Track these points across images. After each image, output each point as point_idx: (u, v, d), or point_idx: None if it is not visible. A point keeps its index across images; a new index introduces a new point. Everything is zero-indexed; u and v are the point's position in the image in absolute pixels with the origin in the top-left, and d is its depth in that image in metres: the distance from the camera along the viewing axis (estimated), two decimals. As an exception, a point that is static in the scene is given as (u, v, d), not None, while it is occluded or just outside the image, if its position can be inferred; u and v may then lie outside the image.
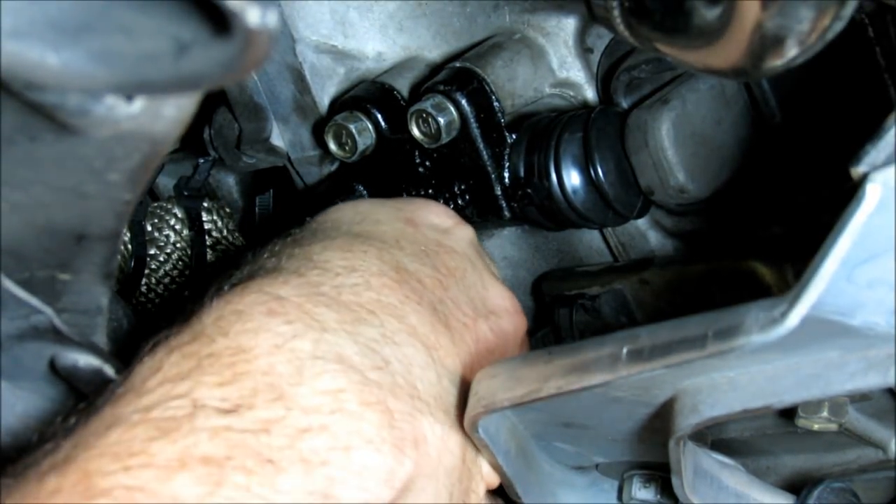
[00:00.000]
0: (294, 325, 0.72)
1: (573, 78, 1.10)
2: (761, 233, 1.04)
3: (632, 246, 1.14)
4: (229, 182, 1.38)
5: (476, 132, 1.05)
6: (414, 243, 0.90)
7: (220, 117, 1.22)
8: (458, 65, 1.06)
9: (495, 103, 1.06)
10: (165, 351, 0.70)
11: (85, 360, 0.82)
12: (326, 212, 0.95)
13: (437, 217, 0.97)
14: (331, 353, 0.72)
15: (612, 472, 0.95)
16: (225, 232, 1.27)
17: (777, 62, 0.67)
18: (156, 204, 1.26)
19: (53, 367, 0.81)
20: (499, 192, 1.07)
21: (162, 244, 1.23)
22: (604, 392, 0.73)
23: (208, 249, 1.25)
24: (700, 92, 1.01)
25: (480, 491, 0.83)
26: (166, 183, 1.35)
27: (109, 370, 0.84)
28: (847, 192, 0.61)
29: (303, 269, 0.79)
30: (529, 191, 1.05)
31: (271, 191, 1.30)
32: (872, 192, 0.59)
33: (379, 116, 1.10)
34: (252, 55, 0.52)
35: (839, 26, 0.65)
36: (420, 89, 1.07)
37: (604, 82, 1.09)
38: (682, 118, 0.99)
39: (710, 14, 0.67)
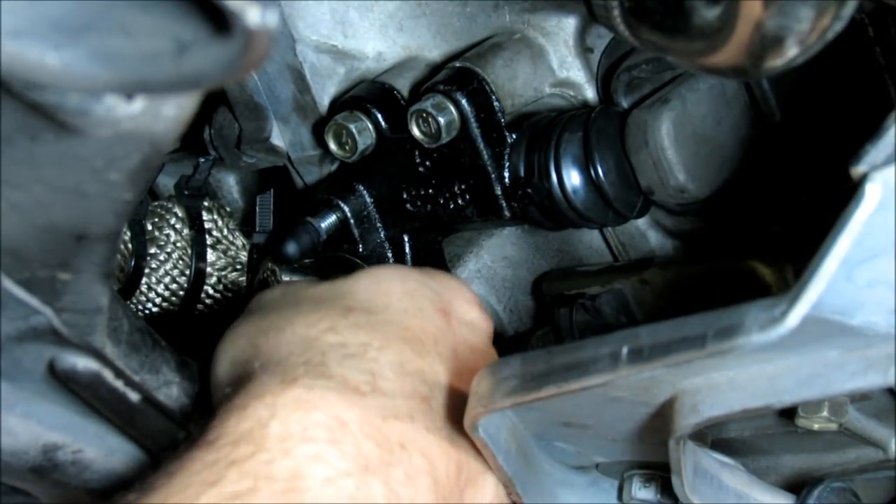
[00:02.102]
0: (346, 460, 0.76)
1: (573, 78, 1.10)
2: (761, 233, 1.04)
3: (632, 246, 1.14)
4: (229, 182, 1.39)
5: (476, 132, 1.05)
6: (447, 344, 0.90)
7: (220, 117, 1.22)
8: (458, 64, 1.06)
9: (495, 103, 1.06)
10: (225, 464, 0.73)
11: (84, 363, 0.82)
12: (378, 278, 0.94)
13: (466, 305, 0.97)
14: (365, 496, 0.76)
15: (612, 472, 0.95)
16: (225, 231, 1.27)
17: (777, 62, 0.67)
18: (156, 203, 1.26)
19: (52, 370, 0.81)
20: (499, 192, 1.07)
21: (162, 243, 1.23)
22: (604, 392, 0.73)
23: (209, 249, 1.25)
24: (700, 92, 1.01)
25: None
26: (166, 182, 1.36)
27: (108, 374, 0.84)
28: (847, 192, 0.61)
29: (364, 386, 0.81)
30: (529, 190, 1.05)
31: (272, 190, 1.30)
32: (872, 192, 0.59)
33: (379, 116, 1.10)
34: (252, 55, 0.52)
35: (839, 26, 0.65)
36: (420, 89, 1.07)
37: (604, 82, 1.09)
38: (682, 118, 0.99)
39: (710, 14, 0.67)
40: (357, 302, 0.90)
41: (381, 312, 0.89)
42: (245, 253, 1.28)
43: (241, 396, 0.80)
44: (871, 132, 0.63)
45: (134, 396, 0.88)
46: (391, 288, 0.93)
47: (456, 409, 0.85)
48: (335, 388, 0.79)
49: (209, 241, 1.25)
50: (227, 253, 1.26)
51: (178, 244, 1.23)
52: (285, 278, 1.16)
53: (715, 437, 0.99)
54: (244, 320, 0.95)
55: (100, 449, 0.92)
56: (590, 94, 1.10)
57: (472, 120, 1.04)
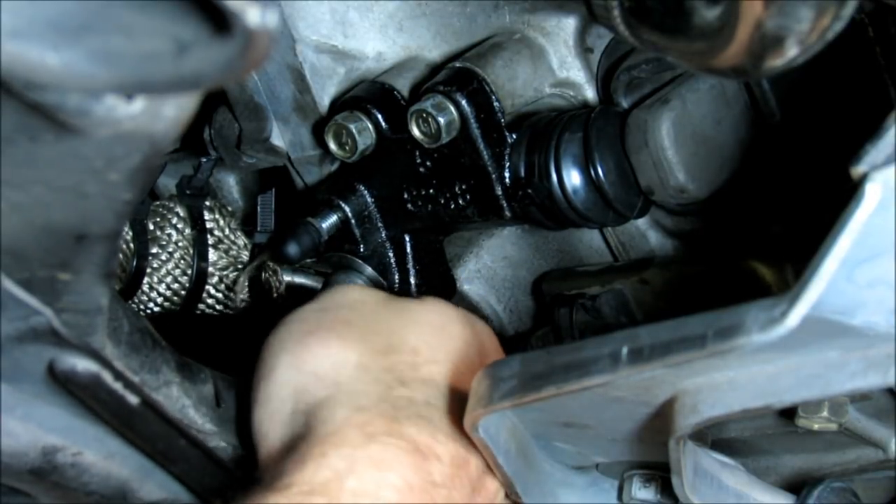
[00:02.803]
0: None
1: (573, 78, 1.10)
2: (761, 233, 1.04)
3: (632, 246, 1.14)
4: (230, 182, 1.38)
5: (476, 132, 1.05)
6: None
7: (220, 117, 1.22)
8: (458, 65, 1.06)
9: (495, 103, 1.06)
10: None
11: (83, 364, 0.82)
12: (444, 322, 0.96)
13: (493, 345, 1.00)
14: None
15: (612, 472, 0.95)
16: (227, 231, 1.27)
17: (777, 62, 0.67)
18: (158, 203, 1.26)
19: (52, 371, 0.81)
20: (499, 192, 1.07)
21: (164, 243, 1.23)
22: (604, 392, 0.73)
23: (210, 248, 1.25)
24: (700, 92, 1.01)
25: None
26: (166, 182, 1.36)
27: (108, 376, 0.84)
28: (847, 192, 0.61)
29: (426, 449, 0.84)
30: (530, 191, 1.05)
31: (272, 190, 1.30)
32: (872, 192, 0.59)
33: (379, 116, 1.10)
34: (252, 55, 0.52)
35: (839, 26, 0.65)
36: (420, 89, 1.07)
37: (604, 82, 1.09)
38: (682, 118, 0.99)
39: (710, 14, 0.67)
40: (424, 346, 0.93)
41: (442, 363, 0.92)
42: (247, 253, 1.28)
43: (318, 440, 0.83)
44: (871, 132, 0.62)
45: (133, 399, 0.88)
46: (454, 334, 0.96)
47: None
48: (406, 451, 0.83)
49: (211, 240, 1.25)
50: (228, 253, 1.26)
51: (180, 244, 1.23)
52: (286, 278, 1.16)
53: (715, 437, 0.99)
54: (318, 318, 0.95)
55: (99, 452, 0.92)
56: (590, 94, 1.10)
57: (472, 120, 1.04)
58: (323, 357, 0.90)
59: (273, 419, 0.90)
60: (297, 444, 0.84)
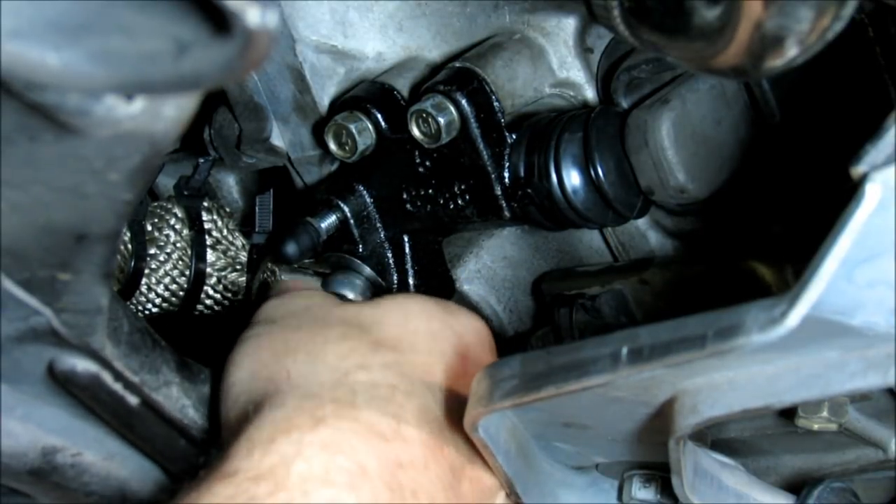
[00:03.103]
0: None
1: (573, 78, 1.10)
2: (761, 233, 1.04)
3: (632, 246, 1.14)
4: (229, 182, 1.38)
5: (476, 132, 1.05)
6: (463, 391, 0.91)
7: (220, 117, 1.22)
8: (458, 65, 1.06)
9: (495, 103, 1.05)
10: (243, 500, 0.74)
11: (83, 364, 0.82)
12: (406, 314, 0.96)
13: (481, 348, 0.99)
14: None
15: (612, 472, 0.95)
16: (225, 231, 1.27)
17: (777, 62, 0.67)
18: (156, 203, 1.25)
19: (52, 371, 0.81)
20: (499, 192, 1.07)
21: (162, 244, 1.23)
22: (604, 392, 0.73)
23: (208, 249, 1.25)
24: (700, 92, 1.01)
25: None
26: (166, 183, 1.35)
27: (107, 377, 0.84)
28: (847, 192, 0.61)
29: (388, 431, 0.83)
30: (529, 191, 1.05)
31: (271, 190, 1.30)
32: (872, 192, 0.59)
33: (379, 116, 1.10)
34: (252, 55, 0.52)
35: (839, 26, 0.65)
36: (420, 89, 1.07)
37: (604, 82, 1.09)
38: (682, 118, 0.99)
39: (710, 14, 0.67)
40: (386, 337, 0.92)
41: (408, 352, 0.91)
42: (245, 253, 1.28)
43: (266, 426, 0.81)
44: (871, 132, 0.62)
45: (133, 400, 0.88)
46: (418, 326, 0.95)
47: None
48: (361, 433, 0.81)
49: (209, 241, 1.25)
50: (226, 253, 1.26)
51: (178, 244, 1.23)
52: (285, 278, 1.16)
53: (715, 437, 0.99)
54: (266, 330, 0.96)
55: (99, 452, 0.92)
56: (590, 94, 1.10)
57: (472, 120, 1.04)
58: (273, 364, 0.90)
59: (229, 416, 0.89)
60: (247, 429, 0.82)
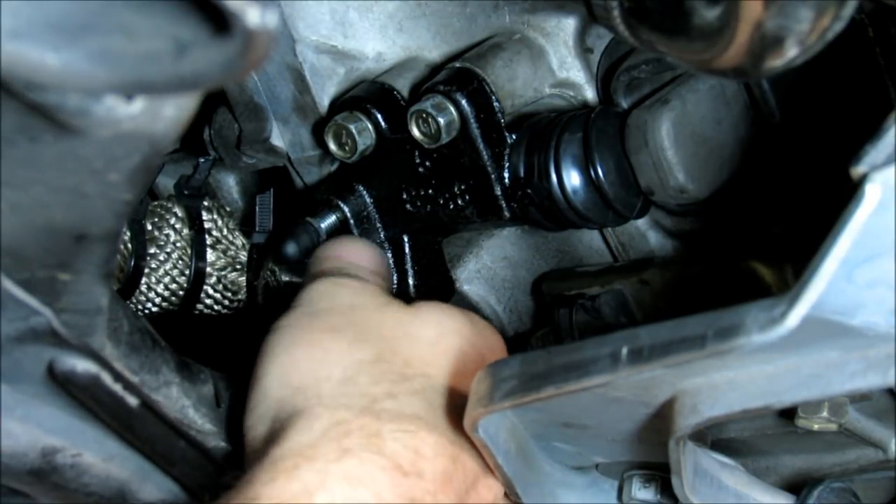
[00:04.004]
0: None
1: (573, 78, 1.10)
2: (761, 233, 1.04)
3: (632, 246, 1.14)
4: (229, 182, 1.38)
5: (476, 132, 1.05)
6: None
7: (220, 117, 1.22)
8: (457, 65, 1.06)
9: (495, 103, 1.05)
10: None
11: (83, 365, 0.82)
12: (441, 333, 0.95)
13: (498, 352, 0.99)
14: None
15: (612, 472, 0.95)
16: (225, 231, 1.27)
17: (777, 62, 0.67)
18: (156, 203, 1.25)
19: (52, 372, 0.81)
20: (499, 193, 1.07)
21: (162, 243, 1.22)
22: (604, 392, 0.73)
23: (208, 248, 1.25)
24: (700, 92, 1.01)
25: None
26: (166, 183, 1.35)
27: (107, 377, 0.84)
28: (847, 192, 0.61)
29: (408, 466, 0.83)
30: (529, 191, 1.05)
31: (272, 190, 1.30)
32: (872, 192, 0.59)
33: (379, 116, 1.10)
34: (252, 55, 0.52)
35: (839, 26, 0.65)
36: (420, 89, 1.07)
37: (604, 82, 1.09)
38: (682, 118, 0.99)
39: (710, 14, 0.67)
40: (417, 357, 0.92)
41: (435, 377, 0.91)
42: (245, 253, 1.28)
43: (292, 452, 0.81)
44: (871, 132, 0.62)
45: (132, 401, 0.88)
46: (449, 346, 0.94)
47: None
48: (383, 467, 0.82)
49: (209, 240, 1.25)
50: (226, 253, 1.26)
51: (178, 244, 1.23)
52: (285, 279, 1.16)
53: (715, 437, 0.99)
54: (306, 322, 0.95)
55: (98, 453, 0.92)
56: (590, 94, 1.10)
57: (472, 120, 1.04)
58: (307, 371, 0.89)
59: (256, 427, 0.89)
60: (272, 452, 0.83)
